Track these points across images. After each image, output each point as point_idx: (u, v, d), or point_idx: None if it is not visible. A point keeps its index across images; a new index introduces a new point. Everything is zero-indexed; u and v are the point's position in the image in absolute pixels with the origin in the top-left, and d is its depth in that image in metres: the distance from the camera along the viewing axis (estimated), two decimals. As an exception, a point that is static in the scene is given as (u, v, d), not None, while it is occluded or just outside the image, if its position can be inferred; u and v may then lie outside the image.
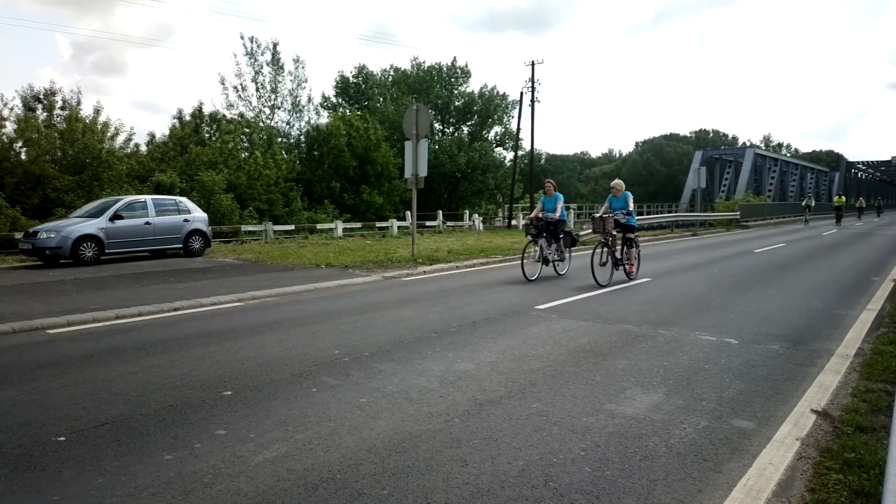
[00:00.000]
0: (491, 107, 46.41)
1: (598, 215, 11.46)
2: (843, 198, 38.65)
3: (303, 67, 42.83)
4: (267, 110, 40.31)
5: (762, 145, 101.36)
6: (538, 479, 3.38)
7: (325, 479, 3.37)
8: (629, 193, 11.42)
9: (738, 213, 34.91)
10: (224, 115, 34.85)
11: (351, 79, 47.91)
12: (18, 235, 16.12)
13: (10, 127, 22.63)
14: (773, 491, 3.31)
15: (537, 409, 4.48)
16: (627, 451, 3.78)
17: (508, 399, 4.72)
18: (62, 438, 3.92)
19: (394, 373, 5.40)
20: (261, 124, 36.98)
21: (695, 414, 4.44)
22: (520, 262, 11.93)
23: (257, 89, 39.90)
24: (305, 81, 49.70)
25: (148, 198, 16.14)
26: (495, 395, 4.82)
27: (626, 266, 11.43)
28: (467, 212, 35.32)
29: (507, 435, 4.00)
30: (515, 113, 38.78)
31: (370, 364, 5.66)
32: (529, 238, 11.87)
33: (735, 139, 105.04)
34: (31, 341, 6.72)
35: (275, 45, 39.93)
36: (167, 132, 32.04)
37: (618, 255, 11.25)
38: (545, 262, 11.87)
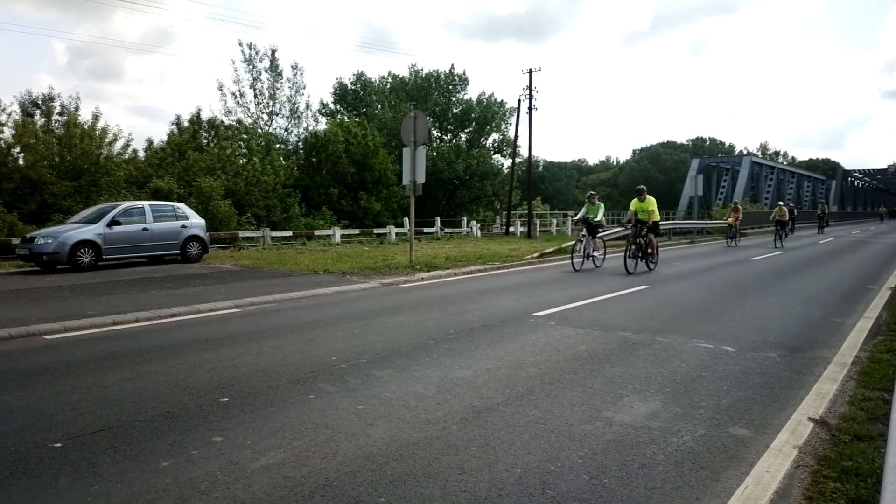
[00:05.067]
0: (489, 114, 46.60)
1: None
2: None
3: (301, 74, 43.06)
4: (265, 116, 40.50)
5: (759, 153, 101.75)
6: (536, 487, 3.38)
7: (321, 486, 3.36)
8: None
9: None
10: (222, 122, 34.99)
11: (349, 86, 48.11)
12: (16, 241, 16.11)
13: (7, 132, 22.66)
14: (771, 499, 3.31)
15: (535, 417, 4.48)
16: (625, 458, 3.78)
17: (506, 406, 4.71)
18: (58, 445, 3.90)
19: (391, 380, 5.39)
20: (259, 130, 37.08)
21: (692, 422, 4.44)
22: (519, 268, 11.97)
23: (255, 95, 40.11)
24: (304, 88, 49.96)
25: (145, 204, 16.15)
26: (493, 402, 4.81)
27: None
28: (465, 218, 35.41)
29: (504, 442, 3.99)
30: (513, 120, 39.01)
31: (367, 371, 5.65)
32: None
33: (732, 147, 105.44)
34: (27, 347, 6.70)
35: (273, 52, 40.21)
36: (165, 138, 32.15)
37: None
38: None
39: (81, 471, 3.53)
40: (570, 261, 15.02)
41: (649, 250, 14.27)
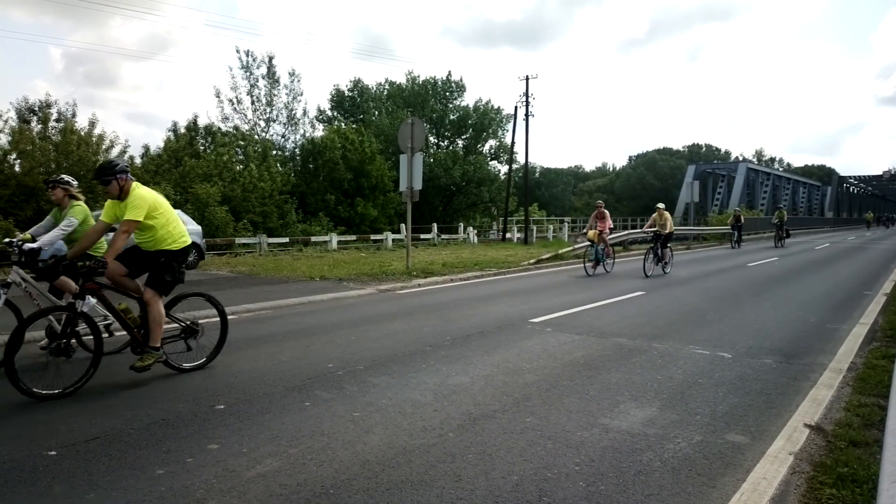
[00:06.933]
0: (485, 120, 46.76)
1: None
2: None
3: (298, 81, 43.28)
4: (262, 123, 40.56)
5: (755, 160, 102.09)
6: (532, 495, 3.37)
7: (317, 494, 3.35)
8: None
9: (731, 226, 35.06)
10: (219, 128, 35.07)
11: (346, 92, 48.25)
12: (11, 247, 16.03)
13: (4, 139, 22.68)
14: (767, 506, 3.31)
15: (532, 424, 4.47)
16: (622, 465, 3.78)
17: (503, 413, 4.70)
18: (53, 452, 3.88)
19: (388, 386, 5.38)
20: (256, 137, 37.13)
21: (689, 428, 4.44)
22: (515, 274, 11.95)
23: (253, 102, 40.18)
24: (301, 94, 49.92)
25: (142, 210, 16.07)
26: (489, 408, 4.81)
27: None
28: (462, 225, 35.39)
29: (501, 449, 3.99)
30: (510, 127, 39.01)
31: (364, 378, 5.64)
32: None
33: (728, 153, 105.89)
34: (21, 354, 6.63)
35: (270, 59, 40.37)
36: (162, 145, 32.19)
37: None
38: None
39: (76, 479, 3.51)
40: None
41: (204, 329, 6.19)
